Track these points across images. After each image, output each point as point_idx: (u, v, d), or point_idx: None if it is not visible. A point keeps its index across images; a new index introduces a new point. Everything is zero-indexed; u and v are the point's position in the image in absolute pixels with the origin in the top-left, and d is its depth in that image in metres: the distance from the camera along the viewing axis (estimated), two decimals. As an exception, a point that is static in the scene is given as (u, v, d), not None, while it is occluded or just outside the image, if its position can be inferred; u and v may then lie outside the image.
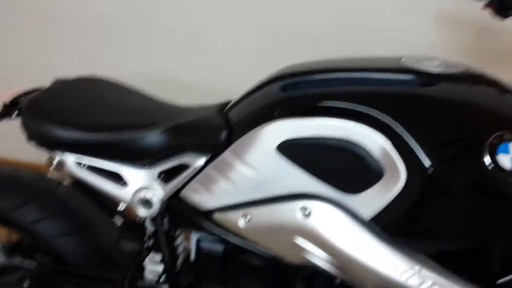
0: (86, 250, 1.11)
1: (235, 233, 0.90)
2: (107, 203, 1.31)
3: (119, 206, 1.14)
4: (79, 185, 1.24)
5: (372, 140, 0.76)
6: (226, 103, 0.97)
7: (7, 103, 0.97)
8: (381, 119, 0.76)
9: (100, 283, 1.09)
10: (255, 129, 0.82)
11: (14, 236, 1.28)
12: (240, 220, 0.87)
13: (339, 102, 0.80)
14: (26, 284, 1.10)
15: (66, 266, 1.09)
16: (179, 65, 1.73)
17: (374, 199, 0.77)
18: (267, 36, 1.58)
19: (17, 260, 1.19)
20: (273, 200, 0.84)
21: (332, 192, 0.80)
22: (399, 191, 0.76)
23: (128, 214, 1.23)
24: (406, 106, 0.79)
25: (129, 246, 1.02)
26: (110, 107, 0.98)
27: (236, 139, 0.85)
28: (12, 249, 1.24)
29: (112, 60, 1.79)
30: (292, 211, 0.82)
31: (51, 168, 0.95)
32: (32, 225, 1.08)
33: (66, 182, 1.22)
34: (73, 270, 1.08)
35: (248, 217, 0.86)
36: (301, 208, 0.81)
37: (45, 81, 1.12)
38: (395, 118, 0.76)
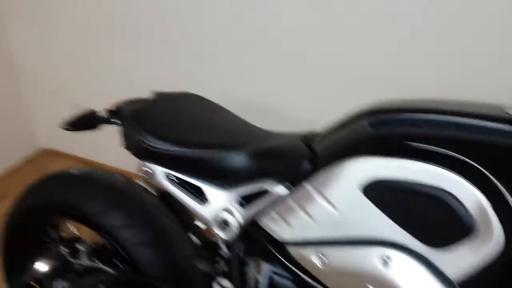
0: (164, 263, 1.13)
1: (308, 270, 0.87)
2: (187, 218, 1.36)
3: (197, 223, 1.17)
4: (164, 197, 1.30)
5: (466, 192, 0.70)
6: (312, 133, 0.96)
7: (111, 110, 1.04)
8: (479, 170, 0.70)
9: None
10: (338, 163, 0.80)
11: (97, 239, 1.36)
12: (314, 258, 0.84)
13: (431, 146, 0.75)
14: (101, 288, 1.16)
15: (144, 277, 1.12)
16: (267, 89, 1.76)
17: (463, 259, 0.71)
18: (356, 74, 1.57)
19: (98, 263, 1.26)
20: (351, 243, 0.81)
21: (415, 243, 0.75)
22: (495, 255, 0.69)
23: (206, 233, 1.26)
24: (509, 161, 0.72)
25: (202, 265, 1.03)
26: (202, 125, 1.01)
27: (318, 171, 0.83)
28: (94, 252, 1.31)
29: (204, 78, 1.87)
30: (370, 258, 0.78)
31: (141, 176, 0.99)
32: (117, 230, 1.13)
33: (153, 192, 1.28)
34: (150, 282, 1.11)
35: (323, 256, 0.83)
36: (380, 256, 0.77)
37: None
38: (495, 172, 0.69)
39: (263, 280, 1.00)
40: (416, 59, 1.46)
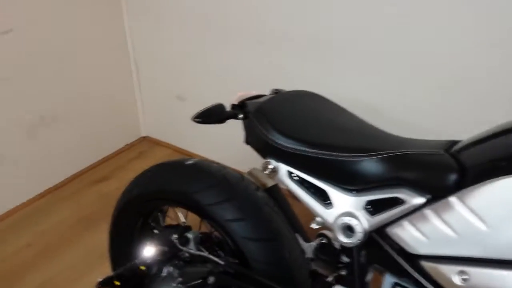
0: (273, 260, 1.11)
1: (443, 286, 0.80)
2: (293, 217, 1.33)
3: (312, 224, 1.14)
4: (271, 194, 1.28)
5: None
6: (453, 142, 0.88)
7: (235, 104, 1.04)
8: None
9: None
10: (495, 180, 0.72)
11: (204, 228, 1.37)
12: (453, 276, 0.77)
13: None
14: (211, 280, 1.15)
15: (252, 271, 1.11)
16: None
17: None
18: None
19: (205, 253, 1.26)
20: (501, 263, 0.73)
21: None
22: None
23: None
24: None
25: (320, 268, 0.99)
26: (329, 125, 0.97)
27: (469, 186, 0.75)
28: (201, 240, 1.32)
29: (327, 79, 1.82)
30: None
31: (266, 173, 0.97)
32: (227, 223, 1.13)
33: (265, 186, 1.26)
34: (257, 278, 1.09)
35: (465, 275, 0.76)
36: None
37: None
38: None
39: (385, 289, 0.94)
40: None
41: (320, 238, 1.30)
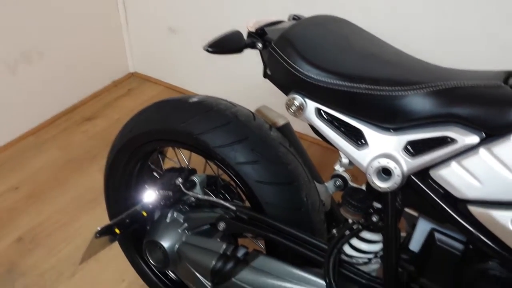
0: (289, 204, 1.03)
1: (494, 235, 0.72)
2: (308, 159, 1.24)
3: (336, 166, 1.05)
4: (287, 133, 1.17)
5: None
6: (510, 73, 0.77)
7: (252, 32, 0.90)
8: None
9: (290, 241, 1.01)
10: None
11: (208, 170, 1.27)
12: (508, 223, 0.69)
13: None
14: (221, 225, 1.07)
15: (266, 216, 1.02)
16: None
17: None
18: None
19: (213, 197, 1.17)
20: None
21: None
22: None
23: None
24: None
25: (345, 213, 0.90)
26: (365, 55, 0.84)
27: (536, 123, 0.66)
28: (208, 185, 1.23)
29: None
30: None
31: (291, 110, 0.85)
32: (240, 165, 1.02)
33: (276, 125, 1.15)
34: (272, 223, 1.00)
35: (521, 220, 0.68)
36: None
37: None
38: None
39: (419, 236, 0.86)
40: None
41: (335, 179, 1.22)
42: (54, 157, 2.06)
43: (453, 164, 0.73)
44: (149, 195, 1.19)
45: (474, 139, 0.71)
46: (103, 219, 1.27)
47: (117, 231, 1.15)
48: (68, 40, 2.20)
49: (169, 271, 1.42)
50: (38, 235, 1.70)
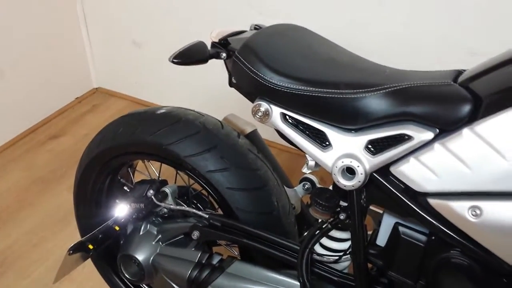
0: (260, 209, 1.06)
1: (453, 224, 0.76)
2: (277, 164, 1.27)
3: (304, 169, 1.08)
4: (255, 139, 1.20)
5: None
6: (458, 72, 0.82)
7: (215, 42, 0.92)
8: None
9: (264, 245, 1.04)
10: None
11: (180, 181, 1.28)
12: (465, 212, 0.73)
13: None
14: (196, 234, 1.08)
15: (238, 222, 1.05)
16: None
17: None
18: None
19: (185, 207, 1.19)
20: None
21: None
22: None
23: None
24: None
25: (313, 213, 0.93)
26: (324, 61, 0.88)
27: (483, 117, 0.70)
28: (178, 195, 1.24)
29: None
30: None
31: (257, 116, 0.88)
32: (210, 174, 1.04)
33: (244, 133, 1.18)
34: (246, 229, 1.03)
35: (477, 210, 0.72)
36: None
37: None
38: None
39: (384, 231, 0.90)
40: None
41: (304, 183, 1.26)
42: (20, 177, 2.02)
43: (411, 159, 0.78)
44: (121, 209, 1.19)
45: (428, 135, 0.76)
46: (75, 238, 1.26)
47: (91, 247, 1.15)
48: (29, 58, 2.17)
49: (144, 286, 1.41)
50: (8, 258, 1.67)
